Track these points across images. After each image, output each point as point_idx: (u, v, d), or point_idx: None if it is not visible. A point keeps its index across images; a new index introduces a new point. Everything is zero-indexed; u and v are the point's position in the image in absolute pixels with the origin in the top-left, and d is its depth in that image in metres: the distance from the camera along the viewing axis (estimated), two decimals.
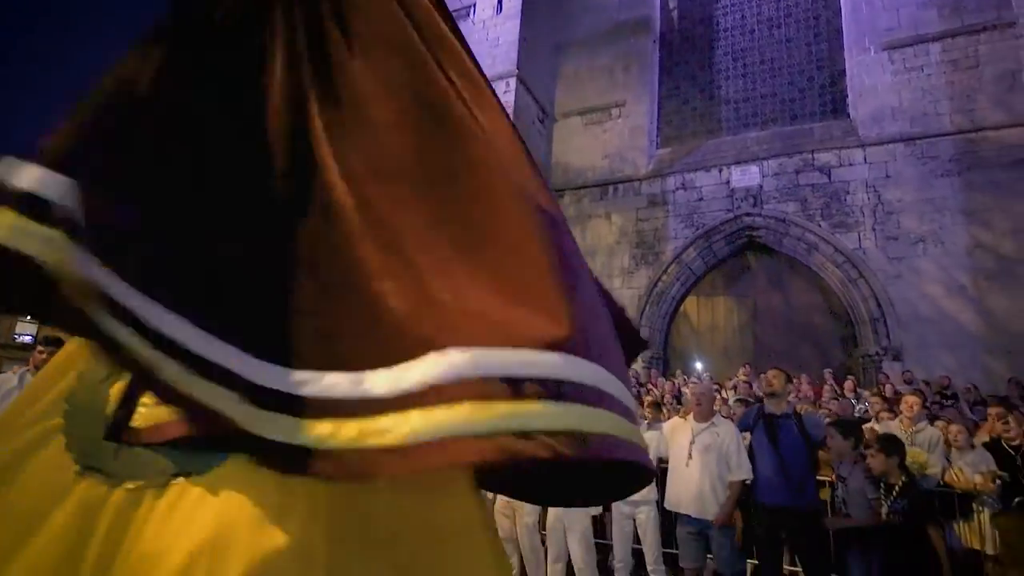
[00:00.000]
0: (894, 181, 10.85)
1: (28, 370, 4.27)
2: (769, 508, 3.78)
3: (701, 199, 12.50)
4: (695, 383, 4.40)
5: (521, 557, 4.49)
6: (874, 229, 10.80)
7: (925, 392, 8.46)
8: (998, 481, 4.26)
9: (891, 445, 3.19)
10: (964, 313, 9.88)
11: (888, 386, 8.51)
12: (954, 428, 4.66)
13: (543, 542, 4.47)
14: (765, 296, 12.51)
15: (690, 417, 4.27)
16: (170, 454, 0.84)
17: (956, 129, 10.53)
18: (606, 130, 14.02)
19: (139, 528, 0.81)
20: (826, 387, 9.05)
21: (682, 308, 13.13)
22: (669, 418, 4.93)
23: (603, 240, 13.42)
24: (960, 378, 9.06)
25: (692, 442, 4.06)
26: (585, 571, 4.20)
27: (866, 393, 7.93)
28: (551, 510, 4.40)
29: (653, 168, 13.33)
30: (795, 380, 9.31)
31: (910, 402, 4.86)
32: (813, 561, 3.63)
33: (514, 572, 4.58)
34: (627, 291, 12.85)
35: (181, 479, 0.82)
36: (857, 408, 6.84)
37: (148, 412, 0.83)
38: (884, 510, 3.08)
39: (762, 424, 3.98)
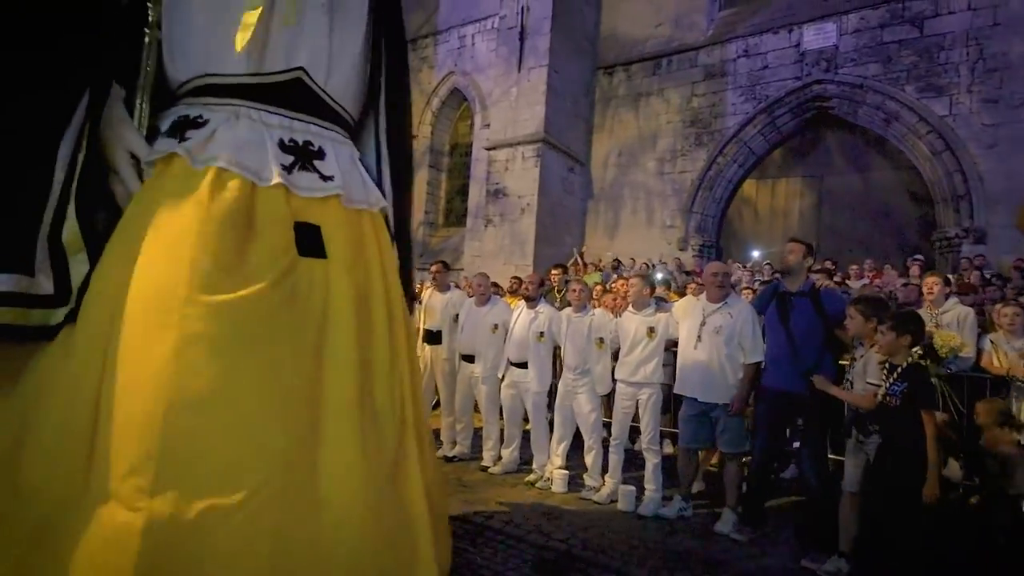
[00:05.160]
0: (1004, 29, 9.13)
1: None
2: (774, 392, 3.61)
3: (765, 67, 11.15)
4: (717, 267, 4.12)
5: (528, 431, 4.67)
6: (970, 91, 9.31)
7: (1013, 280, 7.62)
8: None
9: (904, 324, 2.88)
10: None
11: (975, 273, 7.73)
12: (1007, 311, 4.18)
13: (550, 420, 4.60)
14: (836, 176, 11.42)
15: (702, 297, 4.06)
16: None
17: None
18: None
19: None
20: (888, 273, 8.38)
21: (742, 192, 12.28)
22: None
23: (658, 120, 12.47)
24: None
25: (702, 323, 3.88)
26: (592, 451, 4.28)
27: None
28: (560, 390, 4.47)
29: (713, 34, 11.91)
30: (855, 267, 8.69)
31: (930, 283, 4.38)
32: (813, 444, 3.48)
33: (516, 442, 4.78)
34: (680, 175, 12.09)
35: None
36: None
37: None
38: (882, 391, 2.85)
39: (775, 303, 3.71)
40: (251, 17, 1.76)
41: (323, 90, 1.92)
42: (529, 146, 11.92)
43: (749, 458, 3.85)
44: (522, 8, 12.06)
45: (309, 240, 1.76)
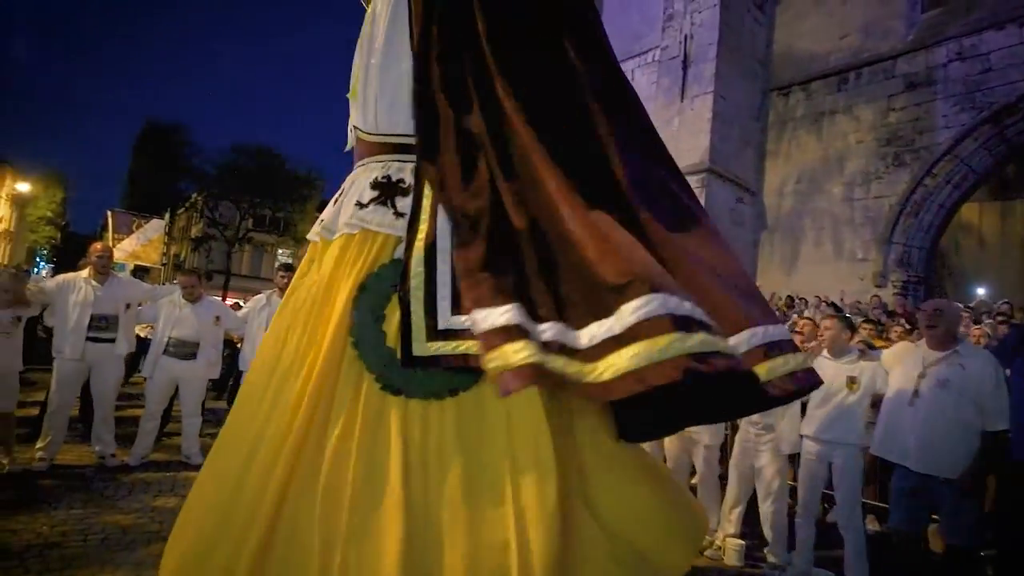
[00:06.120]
0: None
1: (274, 292, 5.09)
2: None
3: (988, 70, 9.38)
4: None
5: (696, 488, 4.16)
6: None
7: None
8: None
9: None
10: None
11: None
12: None
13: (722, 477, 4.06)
14: None
15: (922, 343, 3.31)
16: (440, 376, 1.58)
17: None
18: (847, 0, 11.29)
19: (444, 427, 1.56)
20: None
21: (960, 218, 10.34)
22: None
23: (845, 140, 11.11)
24: None
25: (922, 375, 3.15)
26: (770, 520, 3.65)
27: None
28: (737, 445, 3.92)
29: (915, 38, 10.38)
30: None
31: None
32: None
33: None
34: (874, 201, 10.55)
35: (450, 395, 1.59)
36: None
37: (426, 346, 1.58)
38: None
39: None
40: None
41: (367, 132, 2.13)
42: (693, 177, 11.32)
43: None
44: (685, 36, 11.68)
45: None
